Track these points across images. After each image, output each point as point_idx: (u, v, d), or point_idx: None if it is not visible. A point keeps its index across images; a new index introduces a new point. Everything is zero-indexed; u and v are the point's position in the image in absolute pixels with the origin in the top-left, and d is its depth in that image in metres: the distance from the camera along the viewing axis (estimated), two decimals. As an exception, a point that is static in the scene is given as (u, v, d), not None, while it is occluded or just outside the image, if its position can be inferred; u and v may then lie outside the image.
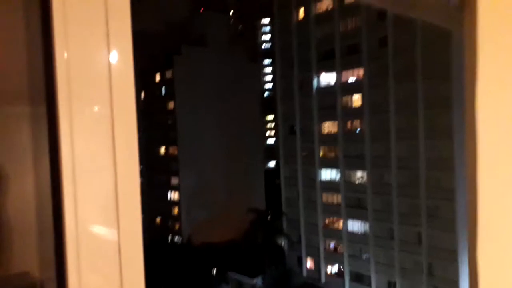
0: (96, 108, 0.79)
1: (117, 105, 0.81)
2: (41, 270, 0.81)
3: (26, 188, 0.81)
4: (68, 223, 0.75)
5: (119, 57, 0.81)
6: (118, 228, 0.81)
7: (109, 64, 0.80)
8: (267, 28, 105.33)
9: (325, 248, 45.47)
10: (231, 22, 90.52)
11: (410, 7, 1.57)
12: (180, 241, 53.78)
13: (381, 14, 37.72)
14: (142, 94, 61.48)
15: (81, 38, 0.77)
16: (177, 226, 58.00)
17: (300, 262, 47.47)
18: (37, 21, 0.78)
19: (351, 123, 43.59)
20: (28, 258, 0.81)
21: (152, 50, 55.88)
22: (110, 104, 0.80)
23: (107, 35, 0.80)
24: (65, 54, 0.75)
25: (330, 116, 44.67)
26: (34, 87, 0.80)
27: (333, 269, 45.17)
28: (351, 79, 43.49)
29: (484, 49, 1.47)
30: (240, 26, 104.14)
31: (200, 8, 65.41)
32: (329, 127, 45.40)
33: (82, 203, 0.77)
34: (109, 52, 0.80)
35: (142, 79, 58.35)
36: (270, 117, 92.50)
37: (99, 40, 0.79)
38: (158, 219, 59.83)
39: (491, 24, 1.49)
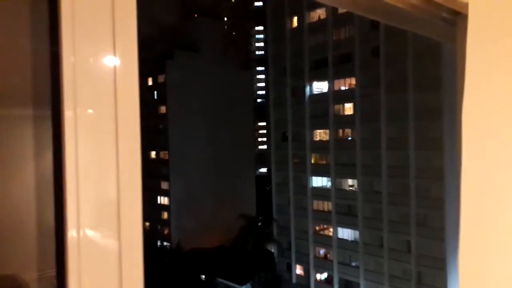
0: (101, 113, 0.79)
1: (121, 110, 0.81)
2: (38, 273, 0.80)
3: (27, 191, 0.79)
4: (70, 228, 0.75)
5: (124, 61, 0.82)
6: (119, 235, 0.80)
7: (115, 68, 0.80)
8: (261, 36, 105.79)
9: (315, 255, 45.46)
10: (225, 28, 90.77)
11: (404, 21, 1.62)
12: (169, 246, 53.33)
13: (374, 24, 38.14)
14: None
15: (88, 42, 0.78)
16: (166, 231, 57.55)
17: (290, 269, 47.35)
18: (45, 25, 0.78)
19: (343, 131, 43.85)
20: (24, 261, 0.80)
21: (145, 54, 55.72)
22: (114, 109, 0.80)
23: (114, 39, 0.80)
24: (72, 58, 0.76)
25: (322, 123, 44.88)
26: (39, 90, 0.80)
27: (322, 276, 45.14)
28: (343, 88, 43.83)
29: (473, 62, 1.54)
30: (234, 33, 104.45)
31: (194, 14, 65.48)
32: (320, 134, 45.61)
33: (85, 208, 0.76)
34: (114, 56, 0.81)
35: (135, 83, 57.99)
36: (262, 123, 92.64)
37: (106, 45, 0.80)
38: (147, 224, 59.27)
39: (481, 38, 1.56)
